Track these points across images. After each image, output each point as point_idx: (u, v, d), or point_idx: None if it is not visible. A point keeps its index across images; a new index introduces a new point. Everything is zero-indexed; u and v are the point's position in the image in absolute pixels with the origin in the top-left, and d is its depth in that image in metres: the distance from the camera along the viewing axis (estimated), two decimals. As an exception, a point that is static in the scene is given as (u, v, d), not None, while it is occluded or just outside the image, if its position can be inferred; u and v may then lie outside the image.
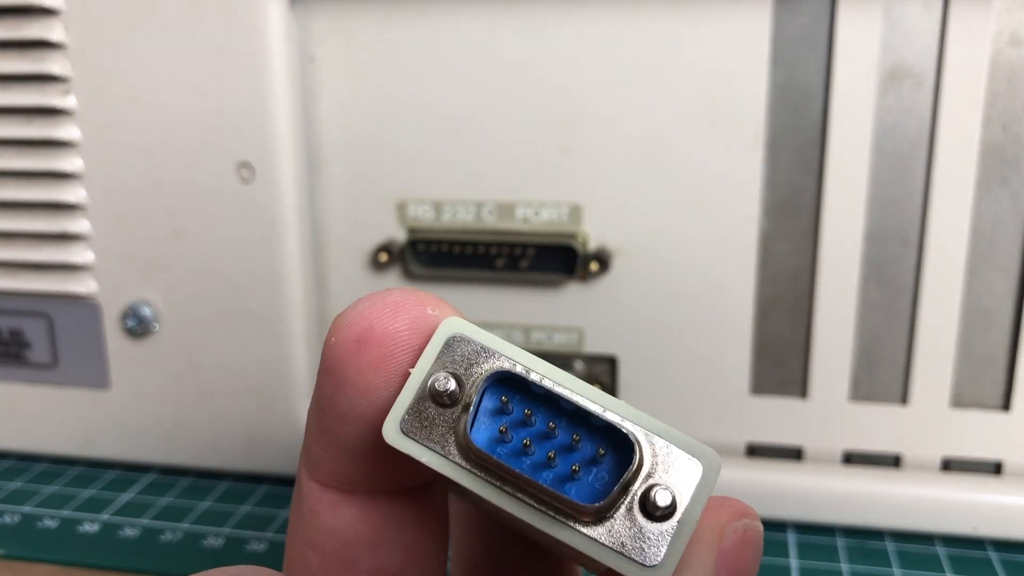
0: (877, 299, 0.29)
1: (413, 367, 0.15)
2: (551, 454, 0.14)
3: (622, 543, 0.13)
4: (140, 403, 0.33)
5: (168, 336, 0.32)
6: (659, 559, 0.13)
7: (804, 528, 0.30)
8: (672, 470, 0.14)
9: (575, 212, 0.30)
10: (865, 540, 0.30)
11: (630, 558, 0.13)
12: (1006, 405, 0.29)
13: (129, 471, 0.35)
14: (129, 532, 0.31)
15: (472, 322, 0.15)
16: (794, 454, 0.31)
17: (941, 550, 0.29)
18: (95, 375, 0.33)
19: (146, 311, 0.32)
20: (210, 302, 0.32)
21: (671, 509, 0.13)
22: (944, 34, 0.27)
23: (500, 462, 0.14)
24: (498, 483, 0.14)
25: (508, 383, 0.14)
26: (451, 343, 0.14)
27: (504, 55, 0.29)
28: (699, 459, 0.14)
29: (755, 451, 0.31)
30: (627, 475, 0.13)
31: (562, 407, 0.14)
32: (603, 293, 0.30)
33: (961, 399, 0.29)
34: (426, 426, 0.14)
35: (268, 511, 0.32)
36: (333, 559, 0.16)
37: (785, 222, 0.29)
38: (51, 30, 0.30)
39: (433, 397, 0.14)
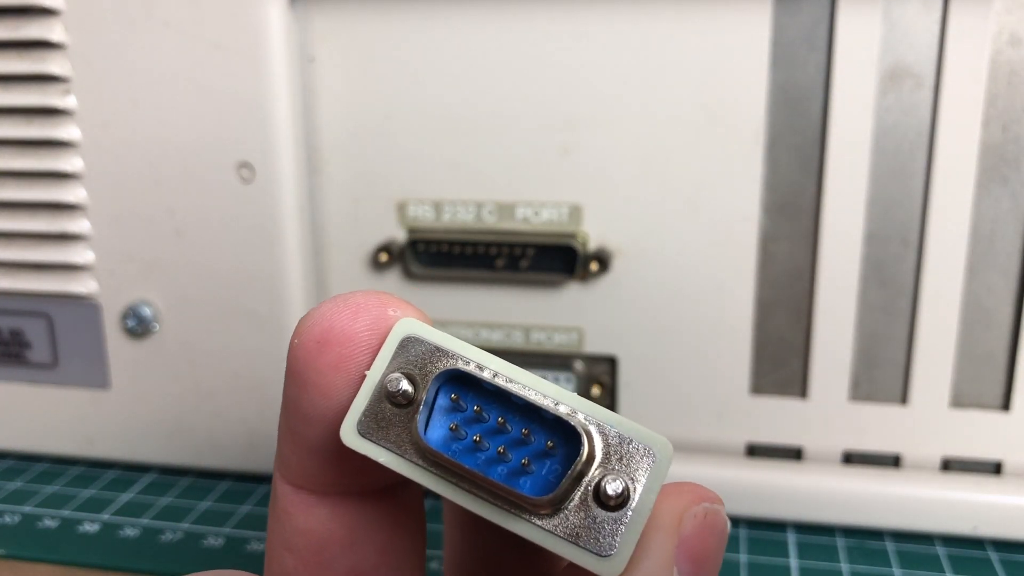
0: (877, 299, 0.29)
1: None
2: (501, 449, 0.14)
3: (576, 534, 0.14)
4: (140, 403, 0.33)
5: (168, 336, 0.32)
6: (614, 549, 0.13)
7: (804, 528, 0.30)
8: (625, 460, 0.14)
9: (575, 212, 0.30)
10: (865, 540, 0.30)
11: (585, 549, 0.13)
12: (1006, 405, 0.29)
13: (129, 471, 0.35)
14: (129, 532, 0.31)
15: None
16: (794, 454, 0.31)
17: (941, 550, 0.29)
18: (95, 375, 0.33)
19: (146, 311, 0.32)
20: (210, 302, 0.32)
21: (624, 498, 0.13)
22: (944, 34, 0.27)
23: (452, 459, 0.14)
24: (454, 480, 0.14)
25: (461, 381, 0.14)
26: (405, 344, 0.15)
27: (504, 55, 0.29)
28: (651, 447, 0.14)
29: (755, 451, 0.31)
30: (576, 465, 0.13)
31: (514, 402, 0.14)
32: (603, 293, 0.30)
33: (961, 399, 0.29)
34: (383, 427, 0.14)
35: (268, 511, 0.32)
36: (308, 560, 0.16)
37: (785, 222, 0.29)
38: (51, 30, 0.30)
39: (388, 398, 0.14)
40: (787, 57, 0.28)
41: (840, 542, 0.30)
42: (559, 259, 0.30)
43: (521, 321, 0.31)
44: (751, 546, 0.29)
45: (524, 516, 0.14)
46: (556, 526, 0.14)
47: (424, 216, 0.31)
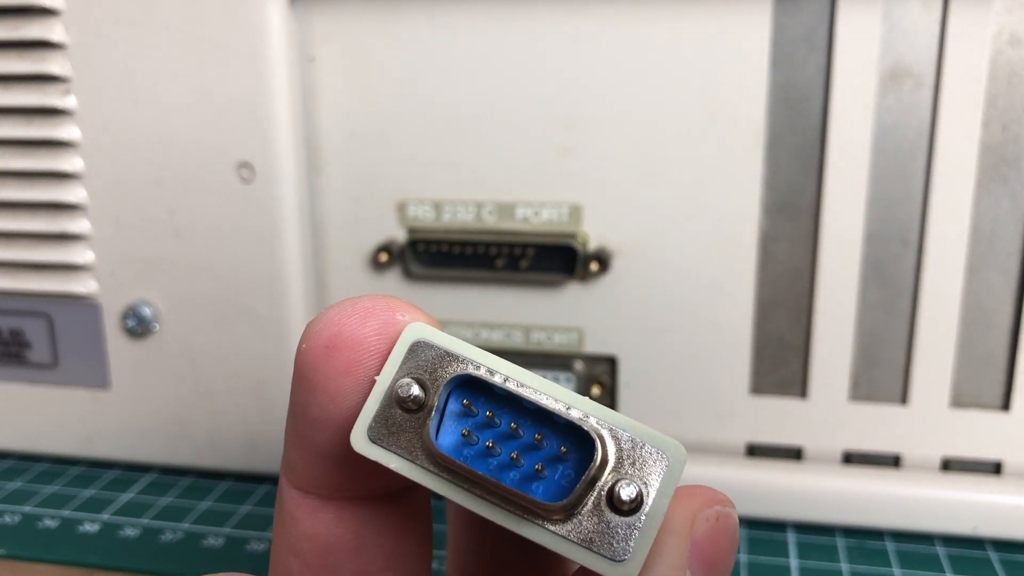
0: (877, 299, 0.29)
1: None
2: (514, 454, 0.14)
3: (590, 539, 0.13)
4: (140, 403, 0.33)
5: (168, 336, 0.32)
6: (628, 554, 0.13)
7: (804, 528, 0.30)
8: (638, 464, 0.14)
9: (575, 212, 0.30)
10: (865, 540, 0.30)
11: (599, 554, 0.13)
12: (1006, 405, 0.29)
13: (129, 471, 0.35)
14: (129, 532, 0.31)
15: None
16: (794, 454, 0.31)
17: (941, 550, 0.29)
18: (95, 375, 0.33)
19: (146, 311, 0.32)
20: (210, 302, 0.32)
21: (637, 503, 0.13)
22: (944, 34, 0.27)
23: (464, 465, 0.14)
24: (466, 486, 0.14)
25: (472, 386, 0.14)
26: (415, 348, 0.15)
27: (504, 55, 0.29)
28: (664, 451, 0.14)
29: (755, 451, 0.31)
30: (589, 471, 0.13)
31: (525, 407, 0.14)
32: (603, 293, 0.30)
33: (961, 399, 0.29)
34: (393, 432, 0.14)
35: (268, 511, 0.32)
36: (314, 565, 0.16)
37: (785, 222, 0.29)
38: (51, 30, 0.30)
39: (399, 403, 0.14)
40: (787, 57, 0.28)
41: (840, 542, 0.30)
42: (559, 259, 0.30)
43: (521, 321, 0.31)
44: (751, 546, 0.29)
45: (537, 522, 0.14)
46: (569, 531, 0.14)
47: (424, 216, 0.31)
